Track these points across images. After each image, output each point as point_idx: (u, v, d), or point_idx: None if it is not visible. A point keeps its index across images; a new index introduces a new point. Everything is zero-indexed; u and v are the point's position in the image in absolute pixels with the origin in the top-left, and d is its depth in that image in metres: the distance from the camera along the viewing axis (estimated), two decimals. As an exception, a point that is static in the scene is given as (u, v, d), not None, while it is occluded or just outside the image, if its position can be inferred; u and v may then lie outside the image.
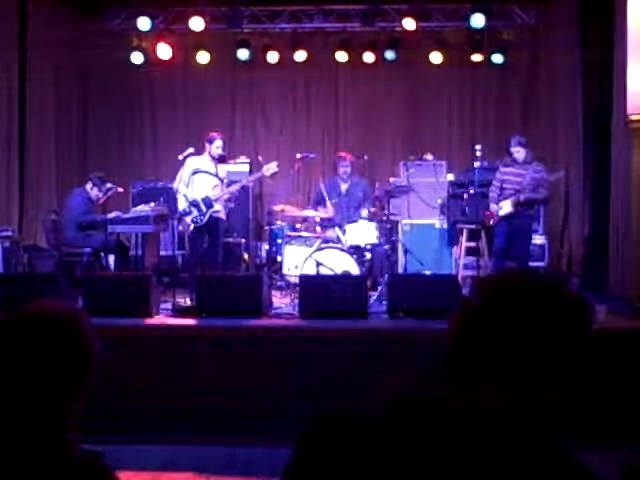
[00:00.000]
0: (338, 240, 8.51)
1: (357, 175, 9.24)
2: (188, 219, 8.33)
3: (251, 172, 10.15)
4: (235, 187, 8.55)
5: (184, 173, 8.31)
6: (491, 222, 8.31)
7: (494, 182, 8.35)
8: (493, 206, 8.27)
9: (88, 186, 9.05)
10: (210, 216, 8.28)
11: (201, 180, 8.35)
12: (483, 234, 8.87)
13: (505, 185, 8.24)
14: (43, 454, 1.60)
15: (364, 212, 8.76)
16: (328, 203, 8.79)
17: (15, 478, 1.58)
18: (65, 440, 1.64)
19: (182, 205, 8.31)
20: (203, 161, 8.40)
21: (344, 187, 9.08)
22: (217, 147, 8.41)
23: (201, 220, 8.26)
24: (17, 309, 1.71)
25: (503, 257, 8.22)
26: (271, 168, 8.31)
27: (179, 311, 7.27)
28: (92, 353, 1.71)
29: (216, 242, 8.41)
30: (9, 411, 1.63)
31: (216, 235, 8.40)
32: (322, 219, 8.89)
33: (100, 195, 9.05)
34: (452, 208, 9.82)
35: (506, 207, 8.16)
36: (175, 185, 8.35)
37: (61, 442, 1.63)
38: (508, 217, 8.16)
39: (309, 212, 9.04)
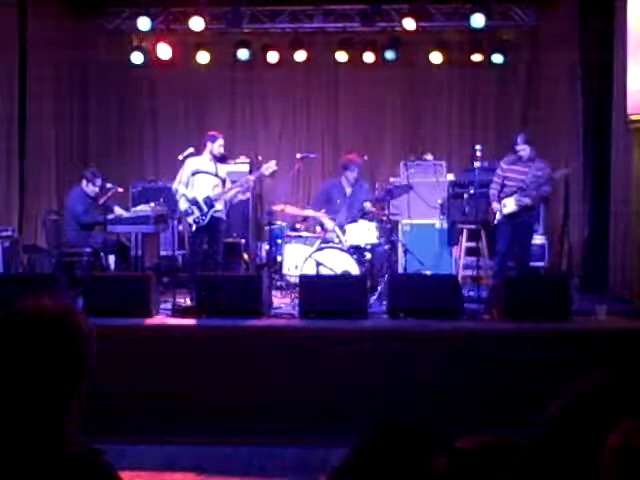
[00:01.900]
0: (338, 240, 8.50)
1: (361, 180, 9.21)
2: (190, 219, 8.31)
3: (251, 172, 10.14)
4: (249, 177, 8.57)
5: (184, 174, 8.29)
6: (495, 221, 8.20)
7: (495, 179, 8.20)
8: (495, 205, 8.12)
9: (83, 183, 9.03)
10: (211, 216, 8.27)
11: (201, 180, 8.33)
12: (483, 234, 8.85)
13: (507, 182, 8.11)
14: (43, 451, 1.60)
15: (367, 204, 8.79)
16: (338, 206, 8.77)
17: (16, 476, 1.58)
18: (65, 437, 1.64)
19: (183, 206, 8.29)
20: (203, 161, 8.37)
21: (349, 190, 9.03)
22: (219, 146, 8.39)
23: (203, 220, 8.24)
24: (13, 307, 1.71)
25: (506, 257, 8.18)
26: (270, 167, 8.28)
27: (179, 311, 7.27)
28: (89, 350, 1.71)
29: (216, 242, 8.39)
30: (8, 409, 1.63)
31: (216, 235, 8.39)
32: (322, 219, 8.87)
33: (96, 190, 9.03)
34: (452, 208, 9.82)
35: (510, 205, 8.02)
36: (174, 186, 8.32)
37: (61, 439, 1.63)
38: (511, 216, 8.09)
39: (309, 212, 8.98)
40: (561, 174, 8.24)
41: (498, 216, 8.13)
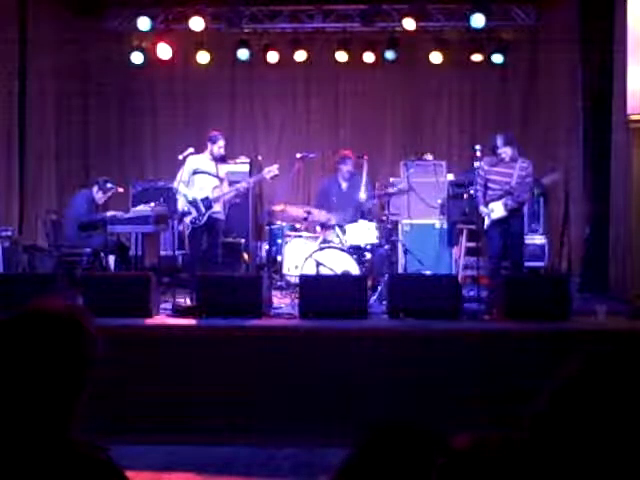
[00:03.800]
0: (338, 240, 8.50)
1: (358, 174, 9.23)
2: (187, 219, 8.32)
3: (251, 172, 10.15)
4: (240, 185, 8.55)
5: (184, 172, 8.29)
6: (485, 226, 8.05)
7: (478, 180, 7.96)
8: (483, 209, 7.89)
9: (94, 189, 9.08)
10: (209, 217, 8.27)
11: (201, 181, 8.33)
12: (483, 234, 8.83)
13: (491, 185, 7.88)
14: (49, 450, 1.61)
15: (362, 195, 8.70)
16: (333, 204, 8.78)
17: (22, 475, 1.58)
18: (70, 436, 1.65)
19: (182, 205, 8.30)
20: (203, 161, 8.37)
21: (345, 185, 9.07)
22: (220, 147, 8.39)
23: (199, 221, 8.25)
24: (18, 308, 1.71)
25: (500, 259, 8.09)
26: (272, 171, 8.31)
27: (179, 311, 7.27)
28: (94, 350, 1.72)
29: (215, 242, 8.40)
30: (14, 409, 1.63)
31: (215, 235, 8.39)
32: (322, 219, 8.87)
33: (105, 199, 9.10)
34: (452, 208, 9.82)
35: (498, 210, 7.80)
36: (175, 185, 8.34)
37: (66, 438, 1.64)
38: (499, 221, 7.85)
39: (312, 209, 8.94)
40: (550, 179, 8.11)
41: (487, 220, 7.96)
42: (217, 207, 8.34)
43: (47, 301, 1.72)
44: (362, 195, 8.72)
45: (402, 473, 1.32)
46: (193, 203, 8.23)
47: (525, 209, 8.57)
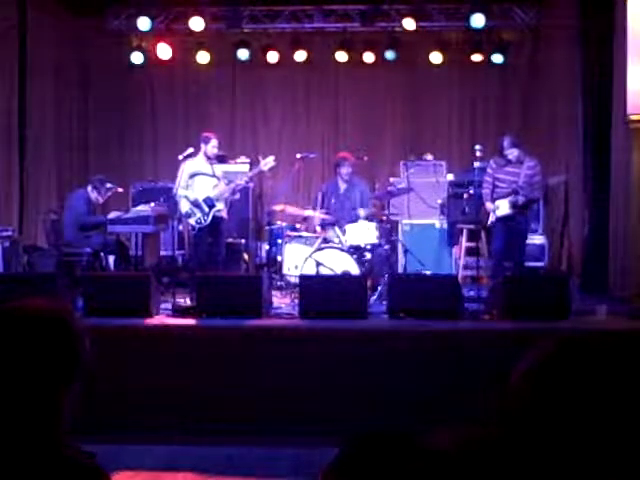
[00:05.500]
0: (338, 240, 8.51)
1: (357, 176, 9.24)
2: (192, 221, 8.30)
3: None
4: (239, 181, 8.55)
5: (182, 178, 8.27)
6: (489, 222, 8.20)
7: (486, 178, 8.19)
8: (489, 205, 8.12)
9: (89, 188, 9.05)
10: (213, 215, 8.28)
11: (200, 182, 8.33)
12: (483, 234, 8.85)
13: (499, 184, 8.10)
14: (33, 452, 1.58)
15: (361, 212, 8.70)
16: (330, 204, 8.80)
17: (4, 477, 1.57)
18: (56, 439, 1.62)
19: (184, 208, 8.29)
20: (199, 163, 8.36)
21: (343, 188, 9.07)
22: (213, 147, 8.40)
23: (205, 221, 8.25)
24: (2, 306, 1.69)
25: (502, 258, 8.18)
26: (269, 162, 8.28)
27: (179, 311, 7.27)
28: (79, 349, 1.68)
29: (218, 242, 8.41)
30: None
31: (218, 235, 8.40)
32: (322, 219, 8.89)
33: (99, 199, 9.06)
34: (452, 208, 9.82)
35: (503, 208, 8.01)
36: (175, 190, 8.33)
37: (52, 441, 1.61)
38: (505, 218, 8.07)
39: (309, 212, 9.04)
40: (557, 181, 8.23)
41: (492, 217, 8.12)
42: (220, 205, 8.35)
43: (29, 300, 1.69)
44: (361, 212, 8.69)
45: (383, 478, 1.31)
46: (195, 203, 8.23)
47: (534, 209, 8.66)
